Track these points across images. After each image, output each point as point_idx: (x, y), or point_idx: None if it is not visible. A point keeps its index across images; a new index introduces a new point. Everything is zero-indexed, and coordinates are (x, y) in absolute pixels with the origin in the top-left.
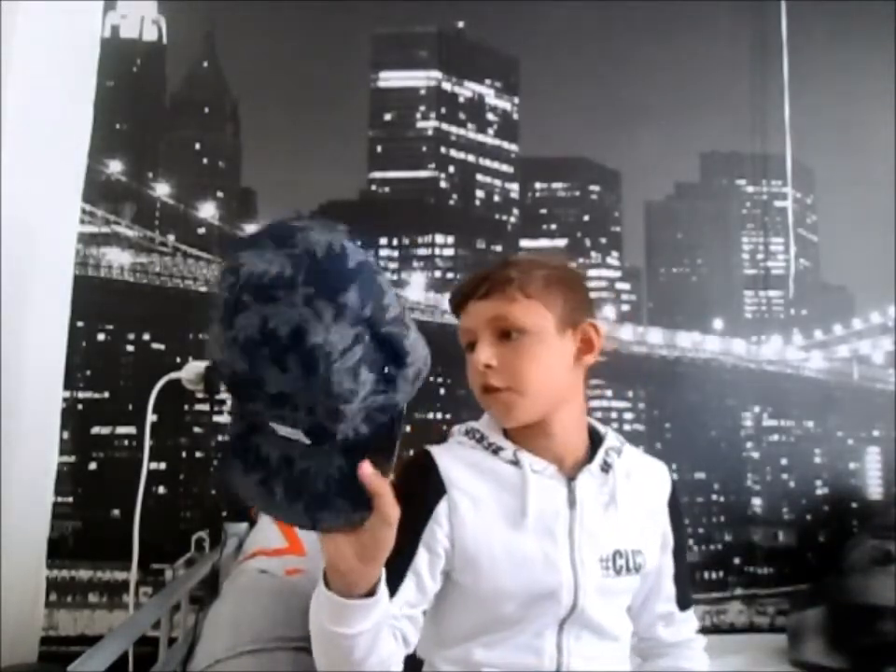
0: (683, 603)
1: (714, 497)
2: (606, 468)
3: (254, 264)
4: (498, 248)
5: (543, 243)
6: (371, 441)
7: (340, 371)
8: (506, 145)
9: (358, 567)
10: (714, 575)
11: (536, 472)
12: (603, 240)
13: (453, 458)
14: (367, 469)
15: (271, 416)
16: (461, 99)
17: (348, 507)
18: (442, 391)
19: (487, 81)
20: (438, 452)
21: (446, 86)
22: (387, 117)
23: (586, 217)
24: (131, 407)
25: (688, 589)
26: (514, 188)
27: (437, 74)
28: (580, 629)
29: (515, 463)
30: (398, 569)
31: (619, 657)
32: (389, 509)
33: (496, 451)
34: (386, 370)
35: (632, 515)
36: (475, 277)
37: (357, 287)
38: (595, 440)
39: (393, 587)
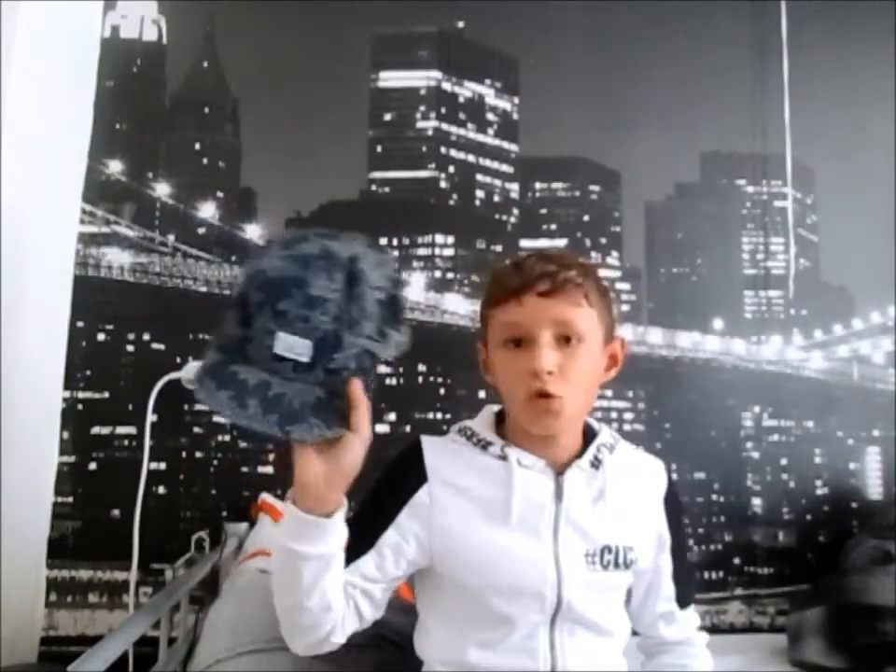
0: (683, 601)
1: (714, 496)
2: (596, 463)
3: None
4: (498, 248)
5: (543, 243)
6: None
7: (371, 297)
8: (506, 145)
9: (323, 483)
10: (714, 575)
11: (523, 466)
12: (603, 240)
13: (441, 450)
14: (357, 382)
15: (294, 317)
16: (461, 99)
17: (322, 425)
18: (442, 391)
19: (487, 81)
20: (427, 442)
21: (446, 86)
22: (387, 117)
23: (586, 217)
24: (131, 407)
25: (689, 587)
26: (514, 188)
27: (437, 74)
28: (572, 625)
29: (503, 458)
30: (363, 542)
31: (614, 652)
32: (365, 423)
33: (484, 447)
34: (386, 327)
35: (623, 511)
36: (534, 270)
37: (392, 259)
38: (590, 436)
39: (352, 556)
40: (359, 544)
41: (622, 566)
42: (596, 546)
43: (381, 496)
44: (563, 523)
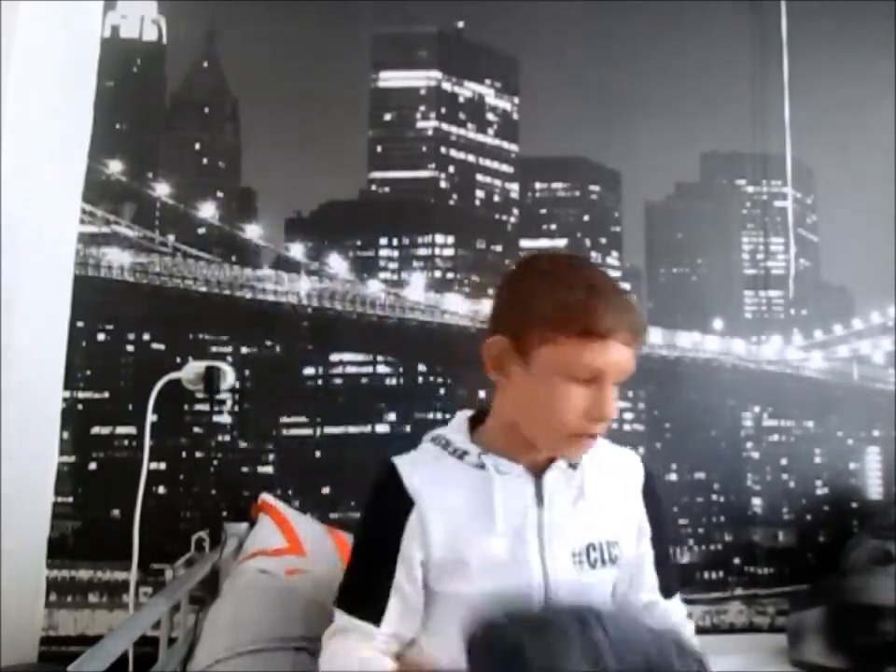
0: (668, 590)
1: (714, 497)
2: (573, 463)
3: None
4: (498, 248)
5: (543, 243)
6: None
7: None
8: (506, 145)
9: None
10: (714, 575)
11: (501, 473)
12: (603, 240)
13: (417, 468)
14: None
15: None
16: (461, 99)
17: None
18: (442, 391)
19: (487, 81)
20: (402, 463)
21: (446, 86)
22: (387, 117)
23: (586, 217)
24: (131, 407)
25: (672, 576)
26: (514, 188)
27: (437, 74)
28: None
29: (481, 466)
30: (381, 590)
31: None
32: None
33: (461, 456)
34: None
35: (604, 507)
36: (622, 316)
37: None
38: None
39: (380, 608)
40: (380, 592)
41: (608, 562)
42: (582, 545)
43: (375, 534)
44: (546, 526)
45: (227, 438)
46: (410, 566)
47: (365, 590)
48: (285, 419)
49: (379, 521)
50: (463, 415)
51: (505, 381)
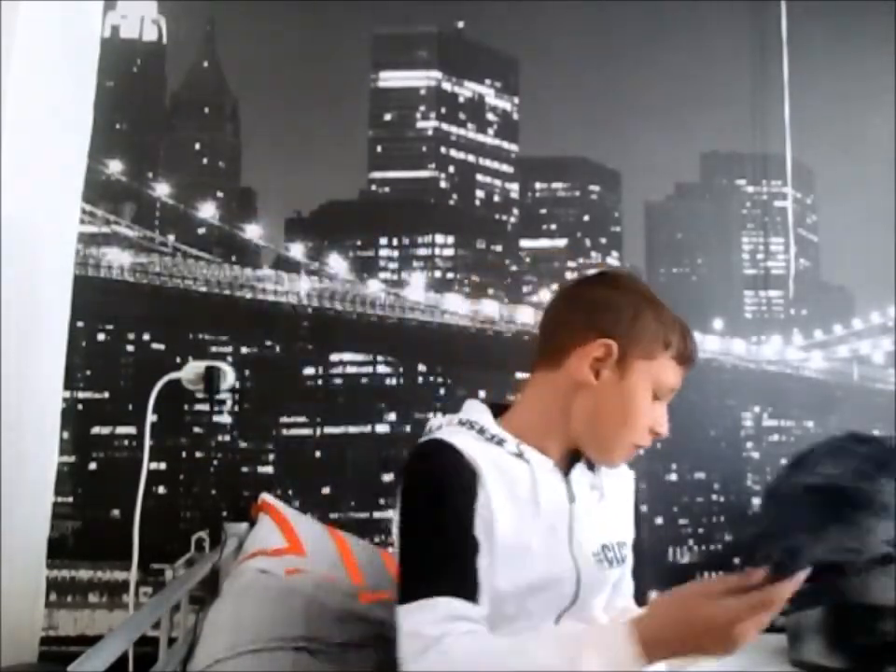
0: (639, 601)
1: (714, 496)
2: (591, 465)
3: None
4: (498, 248)
5: (543, 243)
6: None
7: None
8: (506, 145)
9: None
10: (714, 575)
11: (540, 466)
12: (603, 240)
13: (467, 443)
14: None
15: None
16: (461, 99)
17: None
18: (442, 391)
19: (487, 81)
20: (450, 438)
21: (446, 86)
22: (387, 117)
23: (586, 217)
24: (131, 407)
25: (643, 587)
26: (514, 188)
27: (437, 74)
28: (575, 621)
29: (519, 456)
30: (467, 568)
31: None
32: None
33: (499, 442)
34: None
35: (616, 510)
36: (694, 344)
37: None
38: None
39: (473, 588)
40: (467, 571)
41: (621, 562)
42: (601, 544)
43: (448, 505)
44: (576, 522)
45: (227, 438)
46: (486, 537)
47: (456, 565)
48: (285, 419)
49: (449, 491)
50: (480, 405)
51: (592, 383)
